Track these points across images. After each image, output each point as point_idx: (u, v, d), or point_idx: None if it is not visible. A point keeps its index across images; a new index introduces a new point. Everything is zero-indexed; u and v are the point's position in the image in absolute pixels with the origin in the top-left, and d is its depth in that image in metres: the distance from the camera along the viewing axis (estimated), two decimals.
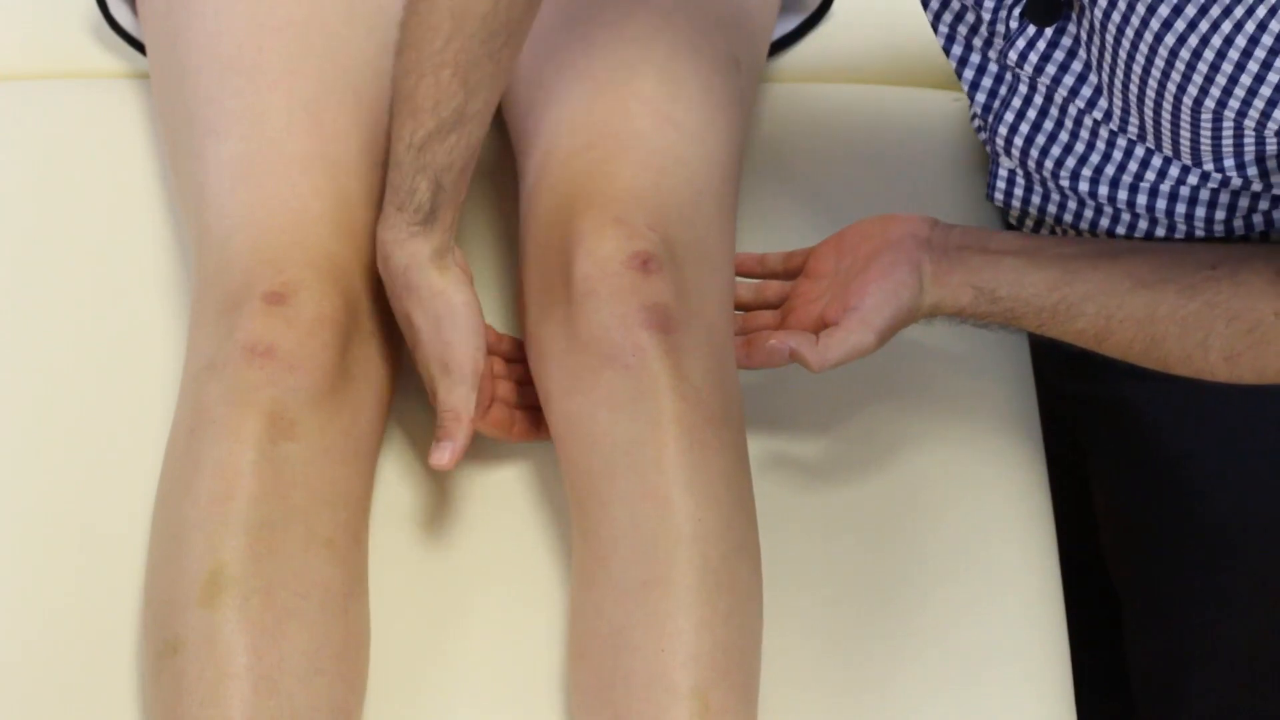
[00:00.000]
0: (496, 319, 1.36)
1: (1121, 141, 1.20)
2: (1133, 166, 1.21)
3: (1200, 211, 1.21)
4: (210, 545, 1.13)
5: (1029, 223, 1.32)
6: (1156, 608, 1.43)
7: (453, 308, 1.20)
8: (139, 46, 1.50)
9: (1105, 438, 1.41)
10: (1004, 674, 1.23)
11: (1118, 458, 1.40)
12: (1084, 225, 1.26)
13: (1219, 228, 1.22)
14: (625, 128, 1.26)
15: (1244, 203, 1.20)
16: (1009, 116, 1.25)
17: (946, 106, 1.53)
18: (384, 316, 1.26)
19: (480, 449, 1.30)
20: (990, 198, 1.31)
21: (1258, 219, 1.21)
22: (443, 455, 1.19)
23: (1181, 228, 1.23)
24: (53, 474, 1.28)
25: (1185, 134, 1.13)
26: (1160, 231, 1.23)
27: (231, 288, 1.22)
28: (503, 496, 1.29)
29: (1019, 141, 1.25)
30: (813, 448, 1.33)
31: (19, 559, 1.24)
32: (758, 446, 1.27)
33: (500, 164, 1.43)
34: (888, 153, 1.50)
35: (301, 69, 1.30)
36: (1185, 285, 1.17)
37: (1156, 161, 1.20)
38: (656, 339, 1.18)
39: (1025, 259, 1.22)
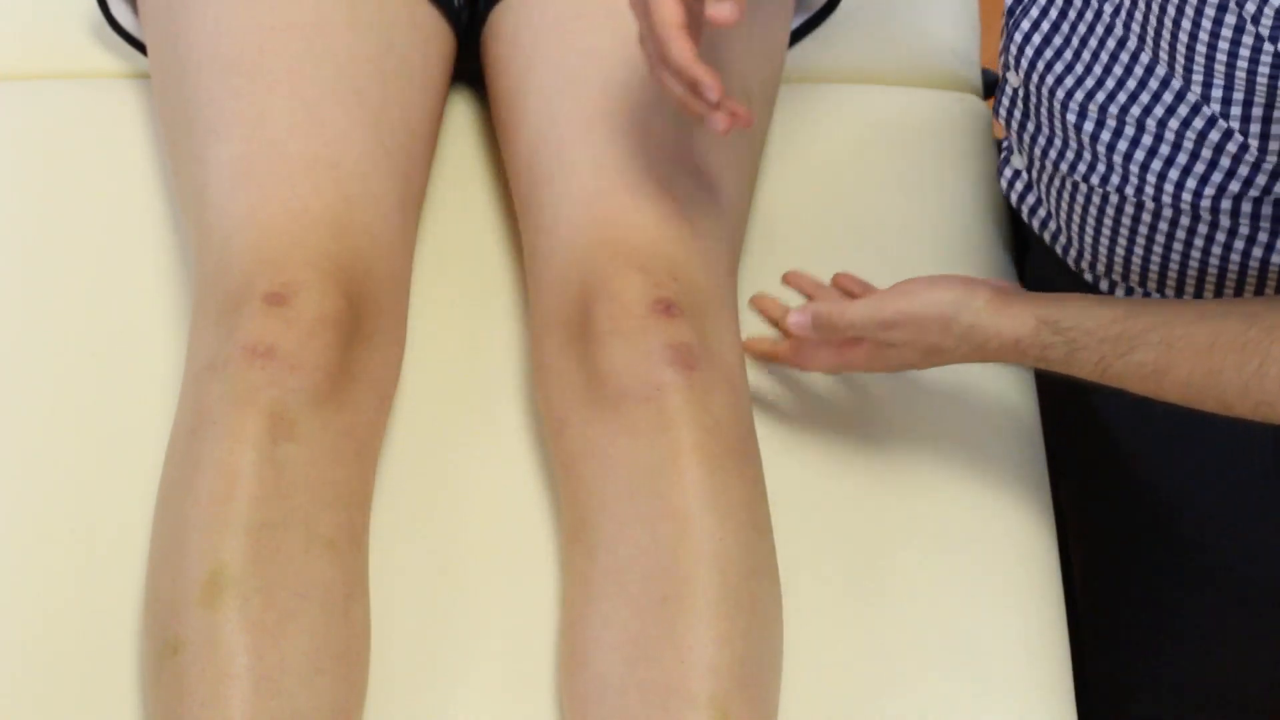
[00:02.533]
0: (504, 325, 1.36)
1: (1117, 68, 1.18)
2: (1136, 89, 1.18)
3: (1199, 168, 1.18)
4: (211, 545, 1.13)
5: (1031, 172, 1.31)
6: (1111, 629, 1.43)
7: None
8: (139, 46, 1.50)
9: (1073, 454, 1.40)
10: (1005, 675, 1.24)
11: (1085, 477, 1.40)
12: (1078, 175, 1.25)
13: (1210, 189, 1.19)
14: (647, 174, 1.27)
15: (1243, 170, 1.18)
16: (1025, 25, 1.24)
17: (950, 107, 1.53)
18: (385, 317, 1.26)
19: (481, 450, 1.31)
20: (996, 112, 1.31)
21: (1254, 192, 1.19)
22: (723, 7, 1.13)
23: (1169, 192, 1.20)
24: (53, 474, 1.28)
25: (1184, 35, 1.11)
26: (1149, 191, 1.21)
27: (232, 288, 1.22)
28: (503, 497, 1.29)
29: (1029, 51, 1.24)
30: (812, 453, 1.33)
31: (20, 559, 1.24)
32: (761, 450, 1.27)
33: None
34: (890, 153, 1.50)
35: (302, 70, 1.30)
36: (1248, 312, 1.14)
37: (1153, 83, 1.17)
38: (680, 376, 1.20)
39: (1091, 299, 1.20)
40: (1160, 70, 1.16)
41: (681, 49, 1.15)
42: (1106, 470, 1.38)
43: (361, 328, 1.23)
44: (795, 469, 1.30)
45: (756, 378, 1.30)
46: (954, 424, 1.35)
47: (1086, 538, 1.34)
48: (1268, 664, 1.43)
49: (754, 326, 1.34)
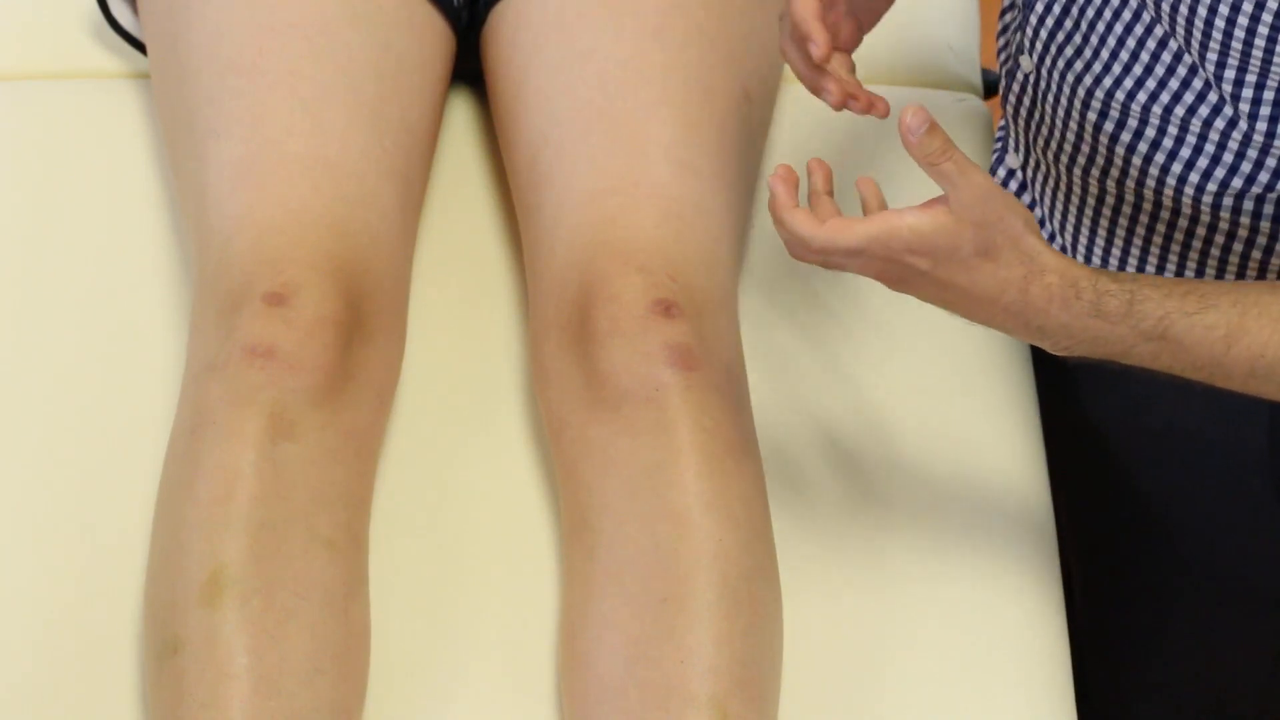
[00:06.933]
0: (504, 325, 1.36)
1: (1124, 53, 1.17)
2: (1142, 74, 1.17)
3: (1201, 162, 1.17)
4: (211, 545, 1.13)
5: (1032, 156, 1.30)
6: (1110, 638, 1.44)
7: None
8: (139, 46, 1.50)
9: (1068, 463, 1.40)
10: (1005, 677, 1.24)
11: (1080, 486, 1.39)
12: (1077, 169, 1.24)
13: (1213, 185, 1.17)
14: (646, 175, 1.28)
15: (1246, 167, 1.17)
16: (1039, 6, 1.23)
17: (950, 107, 1.53)
18: (384, 316, 1.26)
19: (481, 450, 1.31)
20: (1004, 102, 1.29)
21: (1256, 189, 1.18)
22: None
23: (1170, 185, 1.19)
24: (53, 474, 1.28)
25: (1203, 8, 1.11)
26: (1150, 184, 1.20)
27: (232, 288, 1.22)
28: (503, 497, 1.29)
29: (1044, 34, 1.23)
30: (812, 454, 1.33)
31: (20, 559, 1.24)
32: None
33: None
34: (890, 153, 1.50)
35: (302, 70, 1.30)
36: None
37: (1160, 68, 1.17)
38: (679, 376, 1.20)
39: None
40: (1170, 52, 1.16)
41: (806, 4, 1.16)
42: (1101, 480, 1.38)
43: (361, 328, 1.23)
44: (795, 469, 1.30)
45: (756, 378, 1.30)
46: (955, 426, 1.35)
47: (1083, 548, 1.34)
48: (1263, 670, 1.44)
49: (754, 326, 1.34)
